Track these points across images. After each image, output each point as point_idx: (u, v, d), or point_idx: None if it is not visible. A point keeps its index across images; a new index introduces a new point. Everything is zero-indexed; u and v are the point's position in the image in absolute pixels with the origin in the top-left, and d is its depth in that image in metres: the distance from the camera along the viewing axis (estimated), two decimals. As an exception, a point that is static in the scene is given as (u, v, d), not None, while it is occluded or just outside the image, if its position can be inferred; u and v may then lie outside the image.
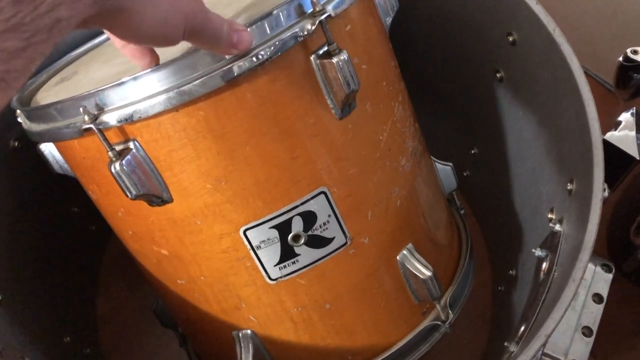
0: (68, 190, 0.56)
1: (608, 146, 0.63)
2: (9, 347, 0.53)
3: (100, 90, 0.39)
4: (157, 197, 0.42)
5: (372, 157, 0.47)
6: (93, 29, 0.35)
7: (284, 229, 0.45)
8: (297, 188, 0.44)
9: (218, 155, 0.41)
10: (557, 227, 0.53)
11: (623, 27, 0.97)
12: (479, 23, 0.63)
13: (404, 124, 0.51)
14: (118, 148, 0.40)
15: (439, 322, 0.56)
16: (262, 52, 0.39)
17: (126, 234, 0.50)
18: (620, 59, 0.67)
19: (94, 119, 0.39)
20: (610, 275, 0.62)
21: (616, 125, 0.65)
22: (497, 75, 0.64)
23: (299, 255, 0.46)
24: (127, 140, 0.40)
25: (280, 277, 0.47)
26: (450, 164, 0.62)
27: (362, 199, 0.47)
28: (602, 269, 0.62)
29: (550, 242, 0.53)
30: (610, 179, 0.54)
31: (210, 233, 0.45)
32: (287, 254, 0.46)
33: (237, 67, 0.38)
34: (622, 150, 0.63)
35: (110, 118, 0.39)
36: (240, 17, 0.45)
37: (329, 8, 0.40)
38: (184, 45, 0.41)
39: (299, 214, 0.45)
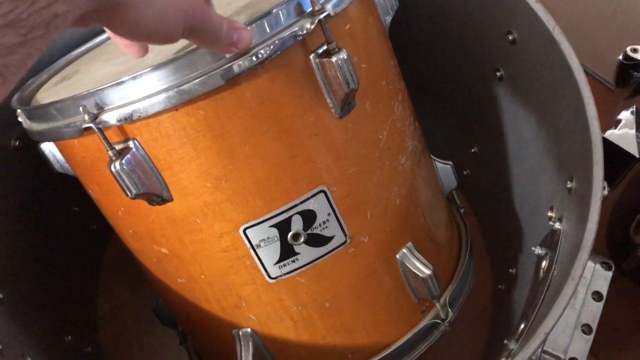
0: (69, 190, 0.56)
1: (608, 144, 0.63)
2: (10, 347, 0.53)
3: (99, 89, 0.39)
4: (157, 196, 0.42)
5: (372, 156, 0.47)
6: (93, 27, 0.35)
7: (283, 227, 0.45)
8: (297, 187, 0.44)
9: (218, 154, 0.41)
10: (557, 226, 0.53)
11: (623, 25, 0.97)
12: (478, 22, 0.63)
13: (404, 122, 0.52)
14: (118, 147, 0.40)
15: (439, 321, 0.56)
16: (261, 51, 0.39)
17: (126, 233, 0.50)
18: (620, 57, 0.67)
19: (94, 118, 0.39)
20: (610, 273, 0.62)
21: (616, 123, 0.65)
22: (497, 74, 0.64)
23: (298, 254, 0.46)
24: (126, 140, 0.40)
25: (280, 276, 0.47)
26: (450, 162, 0.63)
27: (362, 198, 0.47)
28: (602, 267, 0.62)
29: (550, 241, 0.53)
30: (610, 177, 0.54)
31: (210, 232, 0.45)
32: (286, 252, 0.46)
33: (236, 66, 0.38)
34: (622, 149, 0.63)
35: (110, 117, 0.39)
36: (240, 16, 0.45)
37: (328, 7, 0.40)
38: (183, 43, 0.42)
39: (298, 213, 0.45)
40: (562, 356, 0.57)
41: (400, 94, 0.52)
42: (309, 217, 0.45)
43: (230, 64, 0.38)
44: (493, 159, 0.73)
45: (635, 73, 0.66)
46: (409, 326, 0.55)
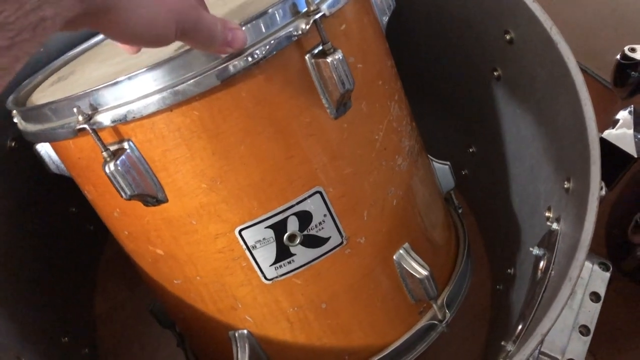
0: (66, 190, 0.56)
1: (606, 144, 0.63)
2: (6, 348, 0.53)
3: (94, 90, 0.39)
4: (152, 197, 0.42)
5: (368, 157, 0.47)
6: (84, 30, 0.35)
7: (279, 228, 0.45)
8: (293, 188, 0.44)
9: (213, 155, 0.41)
10: (555, 226, 0.53)
11: (621, 24, 0.97)
12: (476, 21, 0.63)
13: (400, 123, 0.51)
14: (112, 148, 0.40)
15: (436, 322, 0.56)
16: (257, 51, 0.38)
17: (122, 234, 0.50)
18: (618, 56, 0.67)
19: (88, 119, 0.39)
20: (608, 274, 0.61)
21: (614, 123, 0.65)
22: (495, 73, 0.64)
23: (294, 255, 0.46)
24: (121, 141, 0.40)
25: (276, 277, 0.47)
26: (448, 163, 0.62)
27: (358, 199, 0.47)
28: (600, 267, 0.62)
29: (548, 241, 0.53)
30: (608, 177, 0.54)
31: (205, 233, 0.45)
32: (282, 253, 0.46)
33: (232, 67, 0.38)
34: (620, 149, 0.63)
35: (104, 118, 0.39)
36: (235, 16, 0.45)
37: (324, 7, 0.40)
38: (181, 43, 0.41)
39: (294, 214, 0.44)
40: (559, 357, 0.57)
41: (397, 94, 0.52)
42: (305, 218, 0.45)
43: (225, 64, 0.38)
44: (491, 159, 0.73)
45: (633, 73, 0.66)
46: (406, 327, 0.55)
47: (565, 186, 0.52)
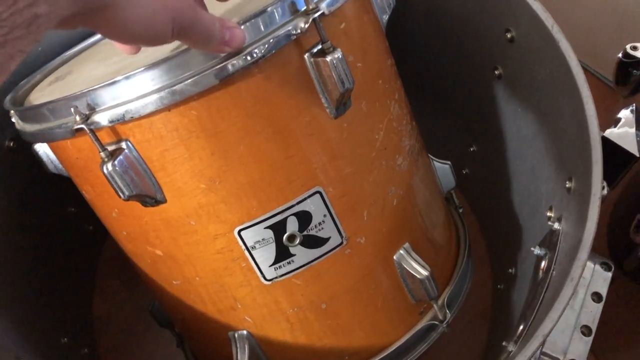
0: (64, 190, 0.55)
1: (607, 143, 0.62)
2: (5, 349, 0.52)
3: (91, 89, 0.38)
4: (150, 198, 0.42)
5: (368, 156, 0.47)
6: (81, 29, 0.35)
7: (278, 229, 0.44)
8: (292, 188, 0.44)
9: (211, 155, 0.41)
10: (556, 226, 0.52)
11: (622, 22, 0.96)
12: (477, 20, 0.62)
13: (401, 122, 0.51)
14: (110, 148, 0.39)
15: (437, 322, 0.55)
16: (256, 50, 0.38)
17: (121, 234, 0.49)
18: (620, 55, 0.67)
19: (86, 119, 0.39)
20: (610, 274, 0.61)
21: (616, 122, 0.65)
22: (496, 72, 0.63)
23: (294, 255, 0.46)
24: (119, 141, 0.40)
25: (276, 278, 0.47)
26: (449, 162, 0.62)
27: (358, 199, 0.47)
28: (602, 267, 0.62)
29: (549, 241, 0.53)
30: (610, 176, 0.54)
31: (204, 233, 0.44)
32: (282, 254, 0.45)
33: (230, 66, 0.38)
34: (622, 148, 0.62)
35: (102, 118, 0.39)
36: (233, 15, 0.44)
37: (323, 6, 0.40)
38: (179, 43, 0.41)
39: (294, 214, 0.44)
40: (561, 358, 0.56)
41: (397, 93, 0.51)
42: (304, 218, 0.45)
43: (224, 63, 0.38)
44: (492, 158, 0.73)
45: (635, 71, 0.65)
46: (407, 327, 0.54)
47: (567, 186, 0.51)
